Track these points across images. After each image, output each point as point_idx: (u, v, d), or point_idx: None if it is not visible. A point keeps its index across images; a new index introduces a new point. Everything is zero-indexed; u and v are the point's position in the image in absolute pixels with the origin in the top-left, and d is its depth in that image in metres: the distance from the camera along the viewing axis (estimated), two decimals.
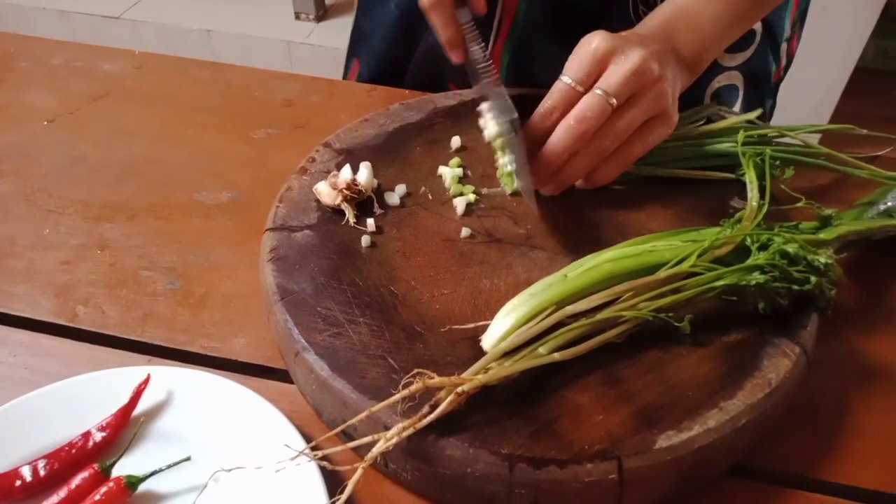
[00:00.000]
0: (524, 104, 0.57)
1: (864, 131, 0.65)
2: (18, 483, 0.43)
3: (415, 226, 0.56)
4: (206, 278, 0.58)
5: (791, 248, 0.48)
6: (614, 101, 0.54)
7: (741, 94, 0.75)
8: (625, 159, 0.58)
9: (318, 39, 2.22)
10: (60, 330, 0.54)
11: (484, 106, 0.62)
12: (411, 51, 0.81)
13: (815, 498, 0.46)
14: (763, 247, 0.49)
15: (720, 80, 0.74)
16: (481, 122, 0.63)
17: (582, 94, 0.55)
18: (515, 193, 0.60)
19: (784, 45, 0.78)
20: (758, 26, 0.72)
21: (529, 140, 0.57)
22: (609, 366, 0.46)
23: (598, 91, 0.54)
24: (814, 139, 0.67)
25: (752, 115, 0.64)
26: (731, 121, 0.63)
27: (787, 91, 0.86)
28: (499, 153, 0.61)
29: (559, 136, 0.55)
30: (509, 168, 0.59)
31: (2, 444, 0.45)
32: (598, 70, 0.55)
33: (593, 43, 0.55)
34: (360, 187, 0.56)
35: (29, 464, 0.44)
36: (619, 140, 0.56)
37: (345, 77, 0.91)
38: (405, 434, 0.40)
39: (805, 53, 0.90)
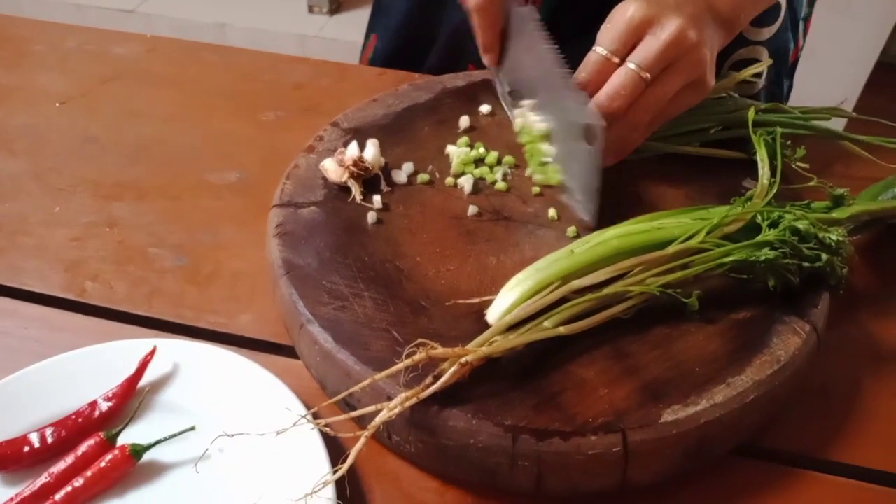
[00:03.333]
0: None
1: (853, 114, 0.64)
2: (27, 449, 0.43)
3: (422, 203, 0.56)
4: (214, 256, 0.58)
5: (802, 225, 0.48)
6: (648, 75, 0.52)
7: (765, 71, 0.74)
8: (654, 127, 0.56)
9: (331, 33, 2.23)
10: (70, 304, 0.55)
11: (528, 102, 0.60)
12: (432, 29, 0.80)
13: (822, 478, 0.45)
14: (773, 224, 0.49)
15: (741, 54, 0.72)
16: (516, 112, 0.62)
17: (617, 66, 0.53)
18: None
19: (801, 24, 0.77)
20: (783, 1, 0.71)
21: None
22: (615, 341, 0.46)
23: (632, 65, 0.52)
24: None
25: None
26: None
27: (807, 85, 0.84)
28: (534, 145, 0.59)
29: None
30: (550, 160, 0.57)
31: (11, 411, 0.45)
32: (633, 40, 0.53)
33: (628, 11, 0.53)
34: (366, 164, 0.56)
35: (37, 431, 0.44)
36: (653, 113, 0.54)
37: (362, 51, 0.90)
38: (408, 404, 0.40)
39: (826, 48, 0.89)
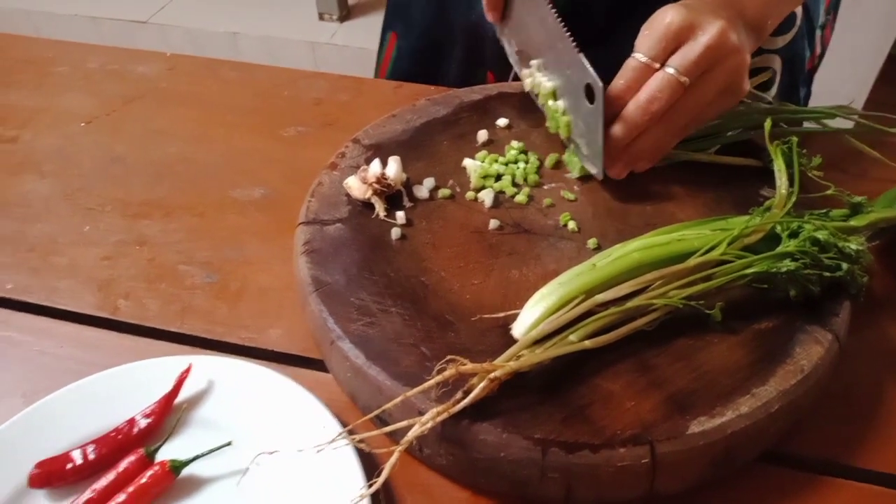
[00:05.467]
0: None
1: (859, 110, 0.65)
2: (70, 466, 0.45)
3: (444, 218, 0.57)
4: (242, 272, 0.59)
5: (822, 235, 0.48)
6: (686, 79, 0.53)
7: (777, 79, 0.75)
8: (687, 132, 0.57)
9: (341, 39, 2.25)
10: (103, 322, 0.56)
11: (536, 62, 0.62)
12: (451, 28, 0.81)
13: (847, 484, 0.46)
14: (793, 234, 0.49)
15: (756, 62, 0.73)
16: (525, 72, 0.64)
17: (656, 72, 0.54)
18: (583, 176, 0.61)
19: (818, 33, 0.77)
20: (798, 10, 0.71)
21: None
22: (640, 353, 0.47)
23: (671, 70, 0.53)
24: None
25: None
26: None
27: (819, 79, 0.85)
28: (548, 102, 0.61)
29: (629, 118, 0.54)
30: (561, 110, 0.60)
31: (53, 430, 0.47)
32: (673, 46, 0.54)
33: (667, 17, 0.54)
34: (389, 181, 0.57)
35: (79, 448, 0.46)
36: (689, 117, 0.55)
37: (380, 52, 0.91)
38: (440, 419, 0.41)
39: (837, 42, 0.89)
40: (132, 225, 0.64)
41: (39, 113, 0.77)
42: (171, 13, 2.35)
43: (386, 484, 0.42)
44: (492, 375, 0.42)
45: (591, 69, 0.54)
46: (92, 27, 2.32)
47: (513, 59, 0.67)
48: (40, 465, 0.45)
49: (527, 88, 0.65)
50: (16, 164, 0.71)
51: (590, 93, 0.55)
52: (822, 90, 0.96)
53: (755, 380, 0.45)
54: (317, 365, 0.52)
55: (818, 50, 0.79)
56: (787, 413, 0.45)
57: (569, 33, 0.56)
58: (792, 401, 0.45)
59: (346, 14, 2.32)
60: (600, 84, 0.53)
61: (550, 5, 0.58)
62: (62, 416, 0.47)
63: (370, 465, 0.44)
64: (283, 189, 0.67)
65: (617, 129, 0.55)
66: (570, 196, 0.59)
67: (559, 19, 0.57)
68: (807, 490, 0.46)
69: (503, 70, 0.74)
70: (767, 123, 0.57)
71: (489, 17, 0.63)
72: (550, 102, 0.61)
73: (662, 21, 0.54)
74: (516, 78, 0.69)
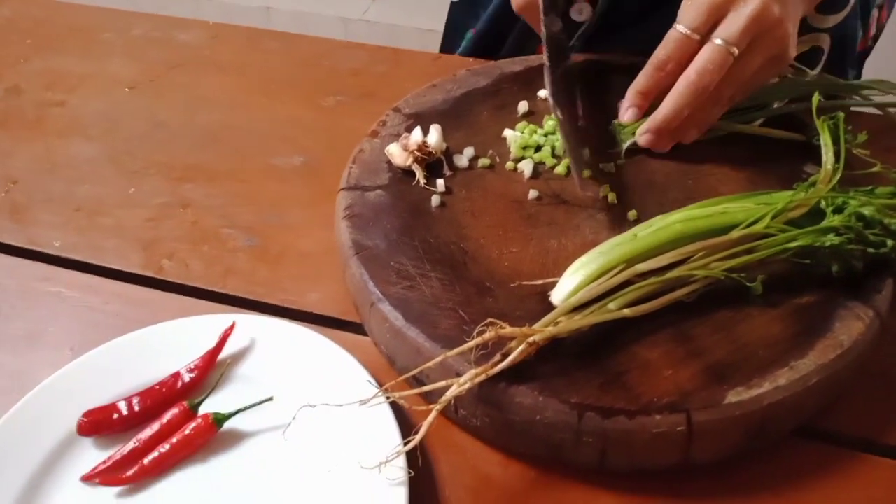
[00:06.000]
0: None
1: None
2: (116, 416, 0.46)
3: (483, 187, 0.58)
4: (282, 237, 0.60)
5: (867, 211, 0.48)
6: (735, 50, 0.52)
7: (824, 58, 0.73)
8: (734, 101, 0.57)
9: (373, 16, 2.25)
10: (148, 281, 0.58)
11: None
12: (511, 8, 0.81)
13: (882, 462, 0.46)
14: (838, 209, 0.49)
15: (803, 41, 0.72)
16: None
17: (698, 44, 0.53)
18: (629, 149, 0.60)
19: (875, 12, 0.75)
20: None
21: (643, 93, 0.56)
22: (679, 324, 0.47)
23: (719, 41, 0.52)
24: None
25: None
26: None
27: (869, 62, 0.82)
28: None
29: (681, 92, 0.53)
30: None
31: (100, 381, 0.48)
32: (715, 17, 0.53)
33: None
34: (430, 149, 0.58)
35: (125, 399, 0.47)
36: (736, 87, 0.55)
37: (451, 42, 0.89)
38: (478, 380, 0.42)
39: (892, 23, 0.86)
40: (176, 188, 0.65)
41: (86, 78, 0.79)
42: None
43: (421, 444, 0.43)
44: (530, 339, 0.42)
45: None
46: None
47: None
48: (88, 414, 0.46)
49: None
50: (64, 127, 0.73)
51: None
52: (873, 74, 0.93)
53: (794, 353, 0.45)
54: (355, 328, 0.53)
55: (872, 31, 0.77)
56: (825, 387, 0.45)
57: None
58: (830, 375, 0.44)
59: None
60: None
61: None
62: (109, 368, 0.49)
63: (406, 425, 0.45)
64: (322, 157, 0.68)
65: (668, 105, 0.54)
66: (610, 168, 0.59)
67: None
68: (841, 466, 0.46)
69: None
70: (815, 98, 0.56)
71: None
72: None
73: None
74: None
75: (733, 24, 0.52)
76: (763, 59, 0.54)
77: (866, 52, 0.79)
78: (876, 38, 0.79)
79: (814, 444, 0.47)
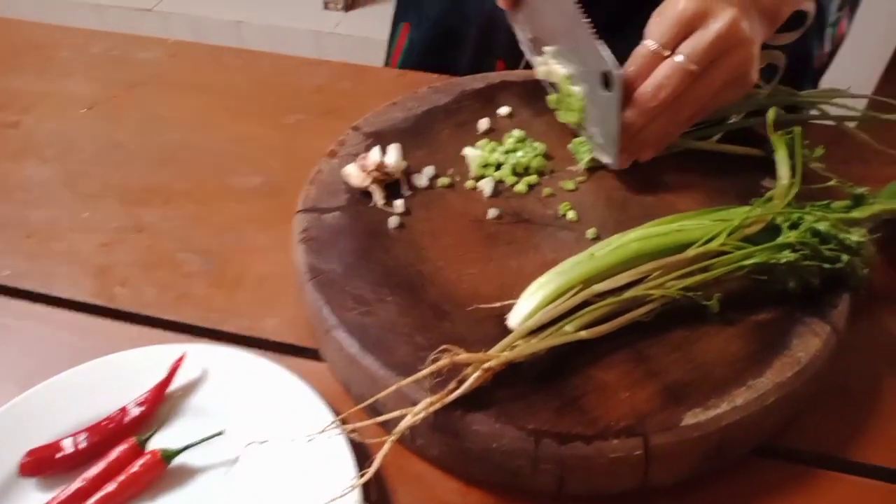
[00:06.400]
0: None
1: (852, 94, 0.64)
2: (59, 455, 0.45)
3: (443, 207, 0.57)
4: (240, 260, 0.59)
5: (822, 227, 0.48)
6: (695, 67, 0.52)
7: (779, 75, 0.73)
8: (693, 121, 0.57)
9: (346, 29, 2.24)
10: (100, 310, 0.56)
11: (550, 49, 0.61)
12: (465, 20, 0.80)
13: (842, 478, 0.46)
14: (794, 225, 0.49)
15: (761, 58, 0.72)
16: (538, 59, 0.63)
17: (666, 59, 0.53)
18: (591, 167, 0.60)
19: (829, 31, 0.75)
20: (811, 6, 0.70)
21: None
22: (636, 344, 0.46)
23: (679, 58, 0.52)
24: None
25: None
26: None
27: (825, 82, 0.83)
28: (564, 88, 0.60)
29: (636, 103, 0.53)
30: (578, 95, 0.58)
31: (44, 417, 0.46)
32: (683, 33, 0.53)
33: (680, 4, 0.53)
34: (388, 169, 0.57)
35: (70, 436, 0.45)
36: (696, 107, 0.55)
37: (391, 43, 0.90)
38: (433, 409, 0.41)
39: (846, 41, 0.87)
40: (131, 211, 0.64)
41: (42, 98, 0.77)
42: (175, 1, 2.35)
43: (378, 474, 0.42)
44: (486, 365, 0.42)
45: (608, 56, 0.53)
46: (95, 15, 2.32)
47: (525, 46, 0.66)
48: (31, 453, 0.45)
49: (540, 76, 0.64)
50: (17, 149, 0.71)
51: (605, 80, 0.55)
52: (827, 84, 0.94)
53: (751, 371, 0.44)
54: (313, 354, 0.52)
55: (827, 48, 0.77)
56: (783, 405, 0.45)
57: (587, 20, 0.55)
58: (788, 393, 0.44)
59: (351, 3, 2.31)
60: (619, 72, 0.53)
61: None
62: (55, 403, 0.47)
63: (362, 455, 0.44)
64: (282, 177, 0.67)
65: (624, 116, 0.54)
66: (570, 186, 0.59)
67: (578, 5, 0.56)
68: (802, 484, 0.45)
69: (513, 58, 0.73)
70: (771, 113, 0.56)
71: (501, 3, 0.62)
72: (567, 88, 0.60)
73: (675, 7, 0.53)
74: (527, 66, 0.69)
75: (699, 42, 0.52)
76: (724, 80, 0.54)
77: (822, 70, 0.80)
78: (832, 55, 0.80)
79: (774, 463, 0.46)
